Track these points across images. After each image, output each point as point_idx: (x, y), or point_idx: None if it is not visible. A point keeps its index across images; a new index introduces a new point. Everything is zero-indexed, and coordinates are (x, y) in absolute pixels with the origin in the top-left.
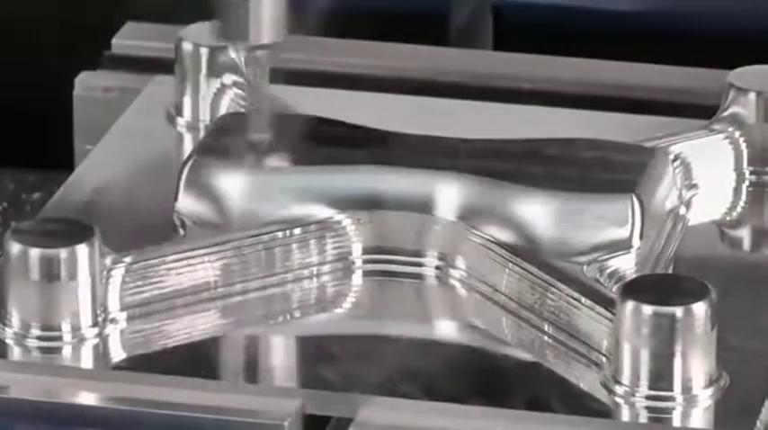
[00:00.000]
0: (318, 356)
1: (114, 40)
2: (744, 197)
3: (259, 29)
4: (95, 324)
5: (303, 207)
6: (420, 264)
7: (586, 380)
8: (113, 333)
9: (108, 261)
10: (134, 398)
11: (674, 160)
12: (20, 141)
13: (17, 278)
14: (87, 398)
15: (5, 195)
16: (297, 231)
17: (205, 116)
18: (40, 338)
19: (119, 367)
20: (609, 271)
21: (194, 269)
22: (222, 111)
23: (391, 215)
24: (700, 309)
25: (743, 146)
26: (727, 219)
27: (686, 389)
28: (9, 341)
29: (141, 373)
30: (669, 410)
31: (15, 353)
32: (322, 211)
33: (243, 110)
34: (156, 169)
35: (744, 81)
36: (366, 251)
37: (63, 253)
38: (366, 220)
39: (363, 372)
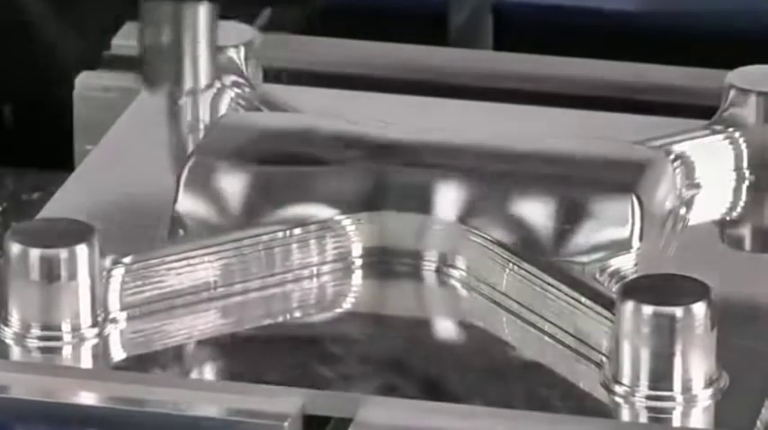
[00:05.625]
0: (318, 356)
1: (114, 40)
2: (744, 197)
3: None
4: (95, 324)
5: (303, 207)
6: (420, 264)
7: (586, 380)
8: (113, 333)
9: (108, 261)
10: (134, 398)
11: (674, 160)
12: (20, 141)
13: (17, 278)
14: (87, 398)
15: (5, 195)
16: (297, 231)
17: (205, 116)
18: (40, 338)
19: (119, 367)
20: (609, 271)
21: (194, 269)
22: (222, 111)
23: (391, 215)
24: (700, 309)
25: (743, 146)
26: (727, 219)
27: (686, 389)
28: (9, 341)
29: (141, 373)
30: (669, 410)
31: (15, 353)
32: (322, 211)
33: (243, 110)
34: (156, 169)
35: (744, 81)
36: (366, 251)
37: (63, 253)
38: (366, 220)
39: (363, 372)
